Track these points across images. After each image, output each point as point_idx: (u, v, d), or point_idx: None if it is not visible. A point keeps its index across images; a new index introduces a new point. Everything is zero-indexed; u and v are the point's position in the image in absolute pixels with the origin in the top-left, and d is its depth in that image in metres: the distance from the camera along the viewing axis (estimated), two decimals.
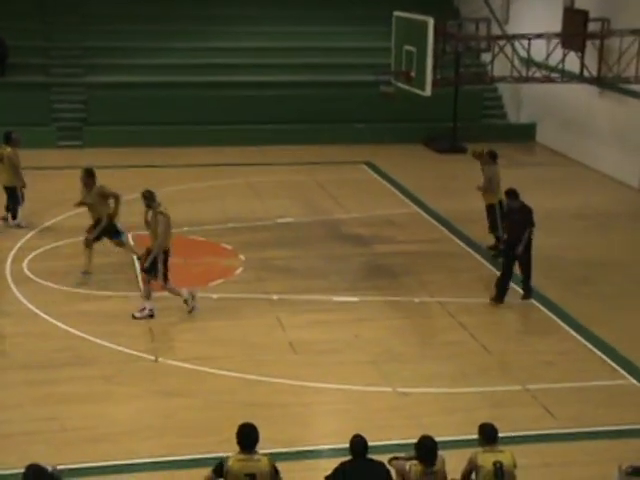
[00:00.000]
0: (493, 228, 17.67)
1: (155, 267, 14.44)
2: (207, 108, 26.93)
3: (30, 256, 17.07)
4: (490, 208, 17.66)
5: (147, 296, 14.56)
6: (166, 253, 14.56)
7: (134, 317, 14.39)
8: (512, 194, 15.35)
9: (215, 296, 15.53)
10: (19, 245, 17.66)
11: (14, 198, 18.75)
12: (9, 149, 18.70)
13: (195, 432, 11.25)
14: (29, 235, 18.29)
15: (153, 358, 13.12)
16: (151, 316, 14.44)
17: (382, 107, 26.28)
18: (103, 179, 22.54)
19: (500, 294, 15.45)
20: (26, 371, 12.65)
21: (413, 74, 22.26)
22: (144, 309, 14.51)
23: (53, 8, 28.73)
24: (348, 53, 29.40)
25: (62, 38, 28.15)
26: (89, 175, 16.19)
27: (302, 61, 28.69)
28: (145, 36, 28.32)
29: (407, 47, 22.57)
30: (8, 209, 18.86)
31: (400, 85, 23.12)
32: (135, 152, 25.20)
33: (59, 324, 14.12)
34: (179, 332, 14.15)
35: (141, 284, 14.98)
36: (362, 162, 25.15)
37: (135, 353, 13.26)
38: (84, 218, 19.41)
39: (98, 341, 13.60)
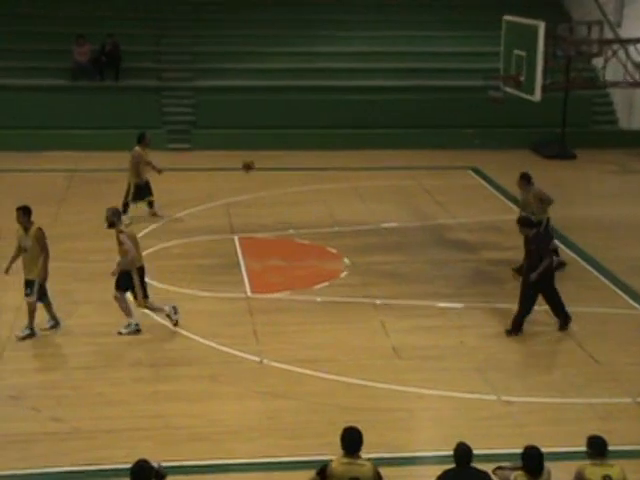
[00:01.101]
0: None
1: (131, 285, 14.00)
2: (313, 112, 27.06)
3: None
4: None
5: (128, 313, 14.06)
6: (141, 270, 14.12)
7: (120, 334, 13.89)
8: (523, 222, 14.48)
9: (319, 299, 15.58)
10: None
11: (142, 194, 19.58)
12: (136, 147, 19.54)
13: (297, 434, 11.30)
14: (140, 235, 18.59)
15: (257, 359, 13.23)
16: (138, 331, 14.00)
17: (489, 112, 26.00)
18: (210, 181, 23.07)
19: (514, 327, 14.26)
20: (135, 369, 12.91)
21: (522, 79, 21.97)
22: (129, 325, 14.03)
23: (165, 14, 29.28)
24: (455, 58, 29.16)
25: (173, 43, 28.68)
26: (25, 213, 14.01)
27: (408, 65, 28.55)
28: (253, 41, 28.59)
29: (517, 51, 22.31)
30: (150, 204, 19.75)
31: (509, 90, 22.85)
32: (242, 155, 25.40)
33: (167, 323, 14.36)
34: (283, 334, 14.22)
35: (118, 304, 14.23)
36: (468, 167, 24.92)
37: (240, 354, 13.39)
38: (193, 219, 19.81)
39: (204, 341, 13.79)
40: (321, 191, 22.46)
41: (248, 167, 19.27)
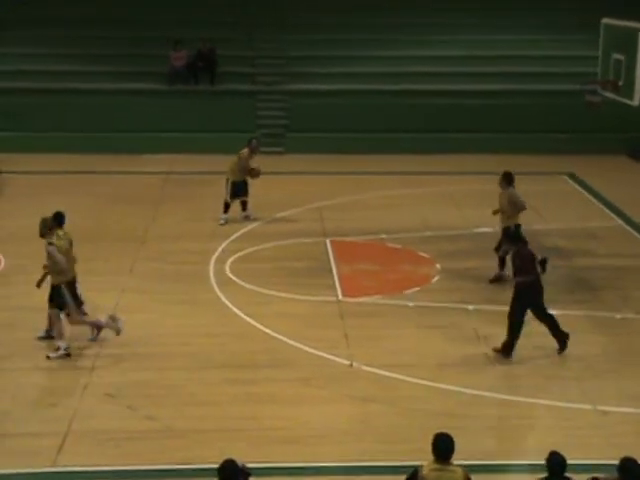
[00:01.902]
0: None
1: (63, 301, 13.41)
2: (405, 116, 26.98)
3: (232, 258, 17.60)
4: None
5: (59, 335, 13.32)
6: (71, 284, 13.64)
7: (48, 358, 13.16)
8: (507, 236, 14.17)
9: (411, 304, 15.51)
10: (222, 247, 18.24)
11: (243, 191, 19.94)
12: (245, 150, 19.81)
13: (387, 439, 11.27)
14: (232, 237, 18.86)
15: (348, 363, 13.24)
16: (67, 355, 13.24)
17: (585, 117, 25.55)
18: (304, 185, 23.19)
19: (504, 349, 13.49)
20: (227, 370, 13.04)
21: (620, 83, 21.51)
22: (58, 348, 13.28)
23: (260, 19, 29.53)
24: (551, 61, 28.70)
25: (267, 47, 28.91)
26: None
27: (502, 69, 28.25)
28: (346, 45, 28.61)
29: (615, 55, 21.84)
30: (244, 205, 20.02)
31: (607, 94, 22.40)
32: (335, 159, 25.59)
33: (259, 326, 14.48)
34: (374, 338, 14.19)
35: (50, 323, 13.69)
36: (564, 173, 24.54)
37: (330, 357, 13.42)
38: (286, 222, 19.95)
39: (295, 344, 13.85)
40: (413, 195, 22.39)
41: (255, 173, 19.75)
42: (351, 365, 13.18)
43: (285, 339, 14.03)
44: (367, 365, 13.12)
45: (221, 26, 28.56)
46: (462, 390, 12.49)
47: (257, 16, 29.53)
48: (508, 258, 14.74)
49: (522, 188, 22.74)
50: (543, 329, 13.75)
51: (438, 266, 17.36)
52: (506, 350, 13.42)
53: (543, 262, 14.55)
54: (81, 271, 16.57)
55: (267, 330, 14.34)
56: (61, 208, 18.85)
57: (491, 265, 17.19)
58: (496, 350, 13.49)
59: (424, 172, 24.43)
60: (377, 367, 13.07)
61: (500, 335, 14.08)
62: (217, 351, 13.67)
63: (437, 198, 22.16)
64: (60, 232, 13.64)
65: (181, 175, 24.02)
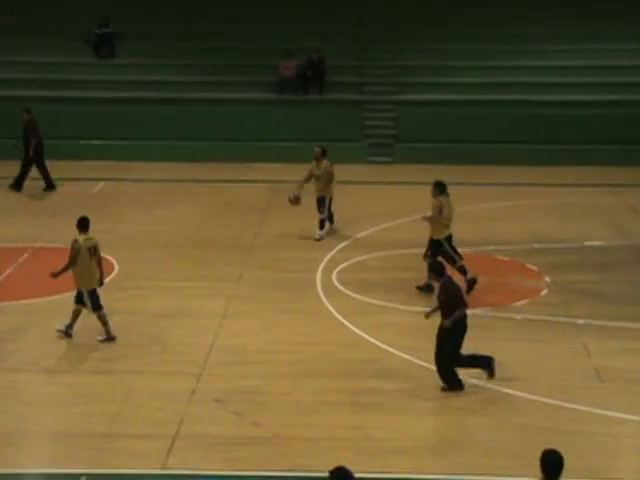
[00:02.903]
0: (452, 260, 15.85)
1: (83, 300, 14.06)
2: (513, 126, 26.68)
3: (339, 267, 17.66)
4: (437, 243, 16.03)
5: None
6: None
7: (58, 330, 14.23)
8: (431, 268, 13.28)
9: (519, 317, 15.31)
10: (329, 256, 18.32)
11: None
12: (326, 161, 19.55)
13: (493, 453, 11.13)
14: (339, 247, 18.93)
15: None
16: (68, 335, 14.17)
17: None
18: (412, 195, 23.09)
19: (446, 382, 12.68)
20: (333, 379, 13.08)
21: None
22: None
23: (371, 27, 29.60)
24: None
25: (377, 57, 28.97)
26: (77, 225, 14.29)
27: (611, 80, 27.60)
28: (454, 55, 28.46)
29: None
30: (327, 218, 19.70)
31: None
32: (444, 169, 25.34)
33: (365, 335, 14.49)
34: (481, 351, 13.88)
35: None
36: None
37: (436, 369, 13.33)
38: (392, 232, 19.92)
39: (402, 354, 13.80)
40: (522, 207, 22.10)
41: (295, 200, 19.27)
42: None
43: (391, 349, 14.00)
44: (474, 378, 12.98)
45: (330, 36, 28.76)
46: (571, 406, 12.25)
47: (367, 26, 29.62)
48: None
49: (635, 201, 22.31)
50: None
51: (547, 279, 17.08)
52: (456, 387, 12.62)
53: (472, 282, 14.19)
54: (190, 277, 17.01)
55: (373, 340, 14.34)
56: (173, 216, 19.27)
57: (603, 279, 16.93)
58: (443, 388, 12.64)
59: (533, 184, 24.10)
60: (484, 380, 12.93)
61: (611, 350, 13.82)
62: (323, 360, 13.72)
63: (546, 210, 21.82)
64: (83, 237, 13.99)
65: (289, 184, 24.13)
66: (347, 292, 16.40)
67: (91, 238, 14.11)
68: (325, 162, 19.58)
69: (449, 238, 16.06)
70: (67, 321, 14.21)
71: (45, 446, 11.41)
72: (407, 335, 14.54)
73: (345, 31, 29.41)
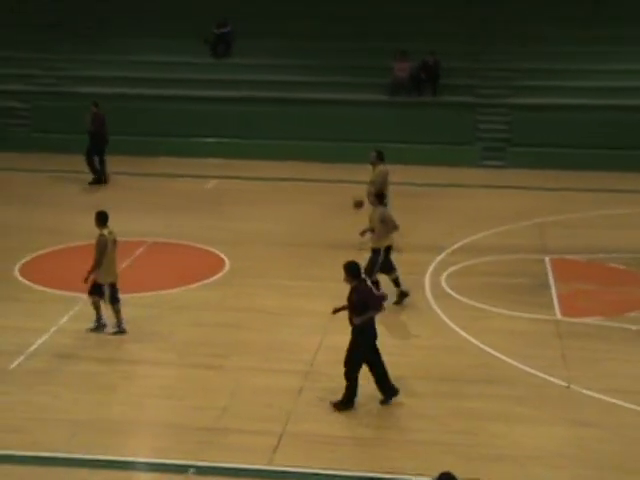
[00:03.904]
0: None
1: (100, 290, 14.29)
2: (632, 132, 26.01)
3: (448, 271, 17.53)
4: (375, 252, 15.61)
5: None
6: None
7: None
8: (348, 269, 12.35)
9: (634, 327, 14.91)
10: (438, 259, 18.20)
11: None
12: (381, 166, 19.06)
13: (606, 465, 10.88)
14: (449, 250, 18.79)
15: (565, 385, 12.89)
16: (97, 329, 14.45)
17: None
18: (524, 200, 22.76)
19: (344, 402, 12.22)
20: (440, 383, 13.00)
21: None
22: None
23: (484, 31, 29.30)
24: None
25: (492, 60, 28.65)
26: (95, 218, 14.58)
27: None
28: (571, 58, 27.96)
29: None
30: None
31: None
32: (558, 174, 25.06)
33: (473, 340, 14.35)
34: (594, 361, 13.73)
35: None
36: None
37: (546, 377, 13.11)
38: (504, 237, 19.68)
39: (510, 361, 13.62)
40: (637, 215, 21.56)
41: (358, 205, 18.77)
42: (568, 387, 12.82)
43: (500, 355, 13.83)
44: (586, 388, 12.71)
45: (445, 38, 28.58)
46: None
47: (482, 28, 29.33)
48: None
49: None
50: None
51: None
52: (347, 403, 12.18)
53: (375, 283, 14.06)
54: (298, 276, 17.14)
55: (481, 345, 14.19)
56: (283, 214, 19.38)
57: None
58: (336, 405, 12.15)
59: None
60: (596, 391, 12.65)
61: None
62: (431, 363, 13.64)
63: None
64: (106, 231, 14.22)
65: (399, 186, 24.06)
66: (455, 296, 16.27)
67: (112, 232, 14.37)
68: (381, 167, 19.06)
69: (388, 249, 15.71)
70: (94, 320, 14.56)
71: (155, 437, 11.63)
72: (515, 341, 14.36)
73: (460, 32, 29.18)
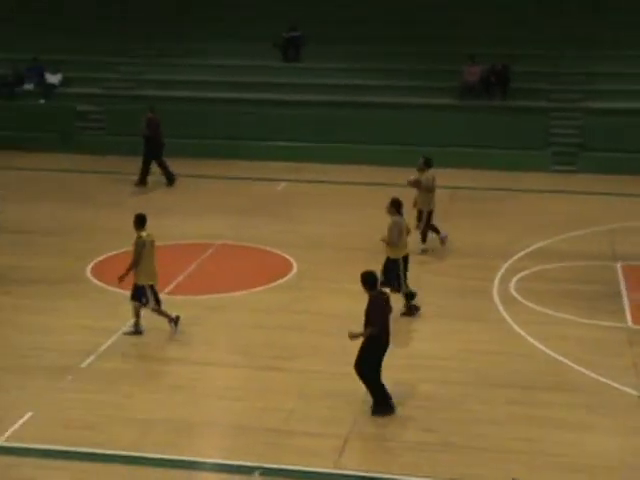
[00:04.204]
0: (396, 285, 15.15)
1: (142, 294, 14.36)
2: None
3: (517, 277, 17.37)
4: (394, 263, 15.22)
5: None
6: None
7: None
8: (365, 279, 12.00)
9: None
10: (507, 265, 18.04)
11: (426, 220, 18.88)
12: (428, 172, 18.86)
13: None
14: (518, 255, 18.60)
15: (636, 394, 12.68)
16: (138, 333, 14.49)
17: None
18: (596, 206, 22.45)
19: (380, 406, 12.17)
20: (507, 389, 12.87)
21: None
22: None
23: (559, 35, 28.94)
24: None
25: (564, 64, 28.33)
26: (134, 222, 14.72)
27: None
28: None
29: None
30: (435, 230, 19.11)
31: None
32: (629, 180, 24.66)
33: (542, 347, 14.20)
34: None
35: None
36: None
37: (617, 386, 12.91)
38: (574, 243, 19.44)
39: (579, 368, 13.45)
40: None
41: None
42: (639, 397, 12.62)
43: (569, 363, 13.66)
44: None
45: (516, 42, 28.32)
46: None
47: (554, 32, 28.99)
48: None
49: None
50: None
51: None
52: (380, 409, 12.07)
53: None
54: None
55: (550, 352, 14.04)
56: (350, 218, 19.37)
57: None
58: (373, 411, 12.09)
59: None
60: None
61: None
62: (498, 369, 13.53)
63: None
64: (145, 233, 14.30)
65: (468, 190, 24.04)
66: (524, 302, 16.12)
67: (150, 234, 14.47)
68: (427, 173, 18.83)
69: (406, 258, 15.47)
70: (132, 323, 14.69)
71: (222, 437, 11.73)
72: (584, 348, 14.18)
73: (533, 37, 28.88)
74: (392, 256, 15.38)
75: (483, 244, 19.32)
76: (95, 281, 17.03)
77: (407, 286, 15.46)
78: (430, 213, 18.82)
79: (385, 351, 12.13)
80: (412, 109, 27.51)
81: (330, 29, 29.45)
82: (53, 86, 29.60)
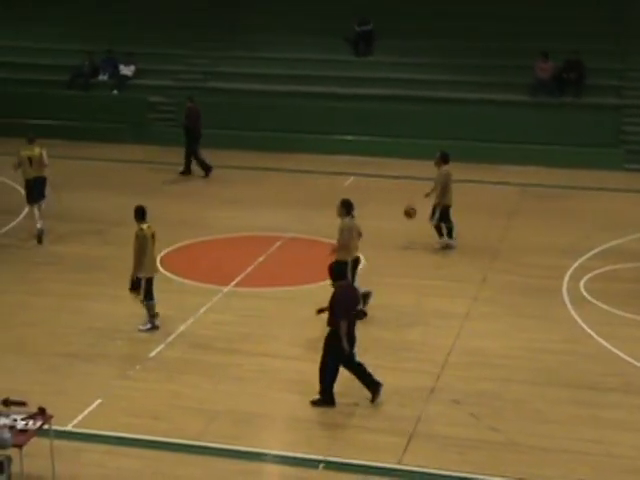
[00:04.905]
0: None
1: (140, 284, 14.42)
2: None
3: (588, 276, 17.13)
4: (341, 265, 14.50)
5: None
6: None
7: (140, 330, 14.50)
8: (330, 270, 12.35)
9: None
10: (578, 264, 17.81)
11: (445, 217, 18.57)
12: (444, 168, 18.49)
13: None
14: (589, 254, 18.34)
15: None
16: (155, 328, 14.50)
17: None
18: None
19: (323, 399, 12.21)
20: (574, 390, 12.73)
21: None
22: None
23: (631, 30, 28.46)
24: None
25: (638, 60, 27.81)
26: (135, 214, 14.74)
27: None
28: None
29: None
30: (447, 230, 18.76)
31: None
32: None
33: (612, 348, 14.00)
34: None
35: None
36: None
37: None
38: None
39: None
40: None
41: (408, 214, 18.10)
42: None
43: (638, 364, 13.45)
44: None
45: (589, 37, 27.85)
46: None
47: (628, 28, 28.50)
48: None
49: None
50: None
51: None
52: (320, 401, 12.13)
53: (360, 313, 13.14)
54: (433, 276, 17.08)
55: (620, 353, 13.84)
56: (419, 214, 19.28)
57: None
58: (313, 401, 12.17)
59: None
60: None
61: None
62: (566, 369, 13.37)
63: None
64: (145, 225, 14.34)
65: (539, 188, 23.76)
66: (594, 301, 15.90)
67: (150, 226, 14.53)
68: (443, 168, 18.49)
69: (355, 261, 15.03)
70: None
71: (287, 430, 11.81)
72: None
73: (604, 32, 28.41)
74: (340, 258, 14.79)
75: (552, 242, 19.09)
76: (164, 271, 17.21)
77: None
78: (447, 209, 18.50)
79: (353, 344, 12.14)
80: (483, 105, 27.25)
81: (402, 23, 29.31)
82: (126, 77, 29.99)
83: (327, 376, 12.14)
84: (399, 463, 10.84)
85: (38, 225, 18.86)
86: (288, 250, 18.67)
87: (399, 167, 25.46)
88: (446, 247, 18.61)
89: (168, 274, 17.05)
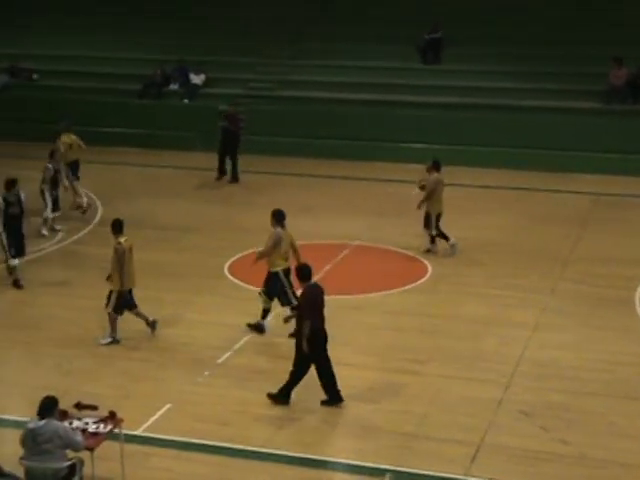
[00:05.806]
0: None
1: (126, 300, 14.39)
2: None
3: None
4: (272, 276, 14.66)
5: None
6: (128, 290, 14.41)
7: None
8: (297, 271, 12.51)
9: None
10: None
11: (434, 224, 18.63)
12: (435, 174, 18.76)
13: None
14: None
15: None
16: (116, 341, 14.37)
17: None
18: None
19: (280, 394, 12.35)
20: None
21: None
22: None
23: None
24: None
25: None
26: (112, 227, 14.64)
27: None
28: None
29: None
30: (444, 237, 18.71)
31: None
32: None
33: None
34: None
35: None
36: None
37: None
38: None
39: None
40: None
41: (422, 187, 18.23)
42: None
43: None
44: None
45: None
46: None
47: None
48: None
49: None
50: None
51: None
52: (277, 396, 12.32)
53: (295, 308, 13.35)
54: (503, 286, 16.89)
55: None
56: (489, 222, 19.13)
57: None
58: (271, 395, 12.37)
59: None
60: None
61: None
62: (639, 381, 13.11)
63: None
64: (123, 238, 14.30)
65: (612, 197, 23.38)
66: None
67: (128, 239, 14.43)
68: (433, 175, 18.73)
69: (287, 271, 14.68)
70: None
71: (354, 438, 11.76)
72: None
73: None
74: (271, 269, 14.71)
75: (625, 252, 18.75)
76: (231, 278, 17.32)
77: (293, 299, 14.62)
78: (438, 216, 18.60)
79: (325, 343, 12.24)
80: (555, 113, 26.88)
81: (471, 31, 29.10)
82: (197, 86, 30.28)
83: (323, 379, 12.30)
84: (466, 474, 10.73)
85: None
86: (356, 258, 18.63)
87: (469, 176, 25.22)
88: (428, 251, 18.65)
89: (236, 281, 17.15)
